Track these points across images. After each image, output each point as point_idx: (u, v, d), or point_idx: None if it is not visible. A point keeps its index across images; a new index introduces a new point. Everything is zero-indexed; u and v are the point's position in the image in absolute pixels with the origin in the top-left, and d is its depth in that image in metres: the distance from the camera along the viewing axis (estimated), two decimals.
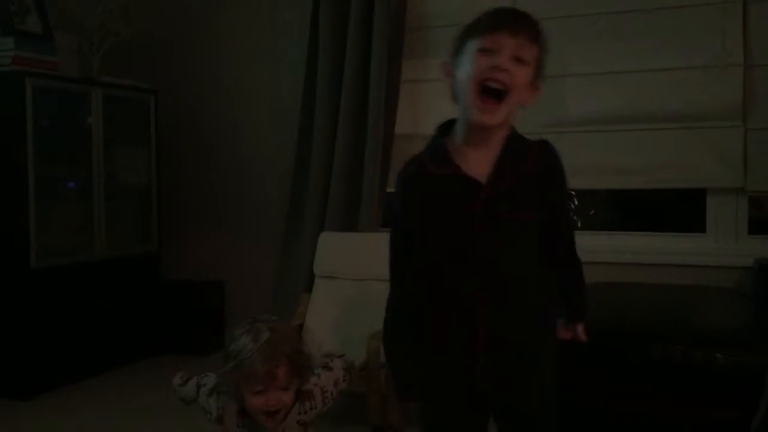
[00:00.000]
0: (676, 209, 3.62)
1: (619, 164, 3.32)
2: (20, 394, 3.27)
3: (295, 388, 1.73)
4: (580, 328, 1.65)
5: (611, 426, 2.35)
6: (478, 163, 1.51)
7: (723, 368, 2.20)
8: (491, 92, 1.44)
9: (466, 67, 1.47)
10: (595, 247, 3.38)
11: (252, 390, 1.67)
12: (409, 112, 3.67)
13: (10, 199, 3.28)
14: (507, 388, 1.54)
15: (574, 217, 3.93)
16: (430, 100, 3.68)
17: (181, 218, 4.21)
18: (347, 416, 3.04)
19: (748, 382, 2.09)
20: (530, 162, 1.52)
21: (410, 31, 3.60)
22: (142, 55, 4.16)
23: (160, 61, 4.19)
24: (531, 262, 1.53)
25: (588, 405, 2.39)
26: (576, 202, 3.92)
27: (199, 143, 4.19)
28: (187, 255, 4.15)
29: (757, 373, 2.05)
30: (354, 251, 3.38)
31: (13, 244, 3.29)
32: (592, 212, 4.00)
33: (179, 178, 4.20)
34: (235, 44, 4.08)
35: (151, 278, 3.99)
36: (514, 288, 1.51)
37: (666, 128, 3.22)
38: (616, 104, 3.30)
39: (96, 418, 3.08)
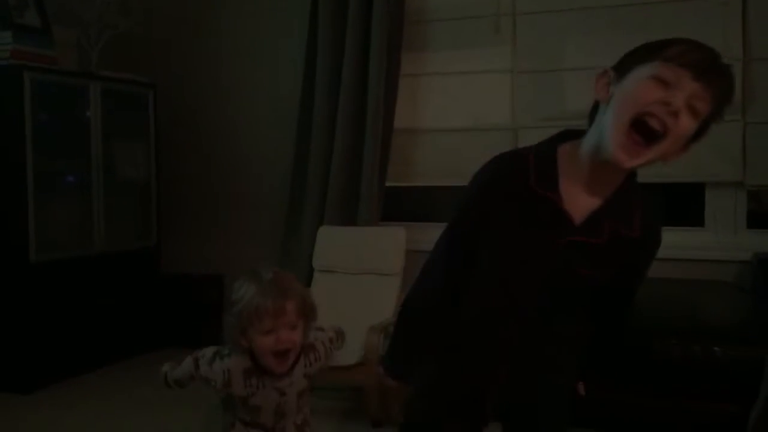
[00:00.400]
0: (675, 203, 3.62)
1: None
2: (20, 388, 3.28)
3: (302, 329, 1.71)
4: (581, 385, 1.58)
5: (610, 419, 2.35)
6: (579, 198, 1.30)
7: (721, 362, 2.21)
8: (645, 131, 1.20)
9: (629, 91, 1.24)
10: None
11: (261, 329, 1.65)
12: (407, 106, 3.67)
13: (9, 194, 3.28)
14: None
15: None
16: (429, 94, 3.68)
17: (180, 213, 4.21)
18: (347, 411, 3.05)
19: (746, 375, 2.10)
20: (634, 225, 1.33)
21: (409, 24, 3.60)
22: (141, 50, 4.15)
23: (160, 55, 4.19)
24: (582, 320, 1.42)
25: (586, 398, 2.39)
26: None
27: (199, 138, 4.18)
28: (187, 249, 4.15)
29: (755, 366, 2.06)
30: (353, 245, 3.39)
31: (12, 238, 3.29)
32: None
33: (178, 172, 4.20)
34: (235, 38, 4.08)
35: (151, 272, 3.99)
36: (555, 346, 1.41)
37: None
38: None
39: (95, 411, 3.09)
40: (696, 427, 2.23)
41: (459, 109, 3.61)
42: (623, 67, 1.31)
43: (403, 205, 3.93)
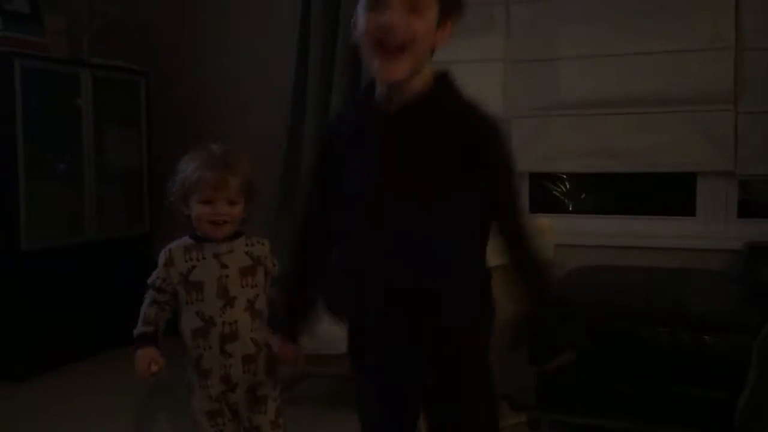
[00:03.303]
0: (666, 192, 3.64)
1: (609, 148, 3.33)
2: (13, 376, 3.28)
3: (241, 207, 1.78)
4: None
5: (599, 406, 2.37)
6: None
7: (711, 349, 2.23)
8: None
9: (360, 24, 1.37)
10: (585, 230, 3.40)
11: (200, 199, 1.74)
12: None
13: (0, 182, 3.27)
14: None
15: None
16: None
17: None
18: (334, 399, 3.06)
19: (735, 363, 2.12)
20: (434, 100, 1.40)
21: None
22: (133, 37, 4.13)
23: (152, 42, 4.16)
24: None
25: (576, 385, 2.41)
26: (568, 186, 3.93)
27: (191, 125, 4.16)
28: (179, 235, 4.13)
29: (744, 354, 2.08)
30: None
31: (3, 226, 3.28)
32: (582, 196, 4.01)
33: (170, 159, 4.17)
34: (226, 25, 4.05)
35: (143, 259, 3.98)
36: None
37: (657, 112, 3.23)
38: (606, 88, 3.30)
39: (88, 399, 3.09)
40: (684, 414, 2.25)
41: None
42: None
43: None
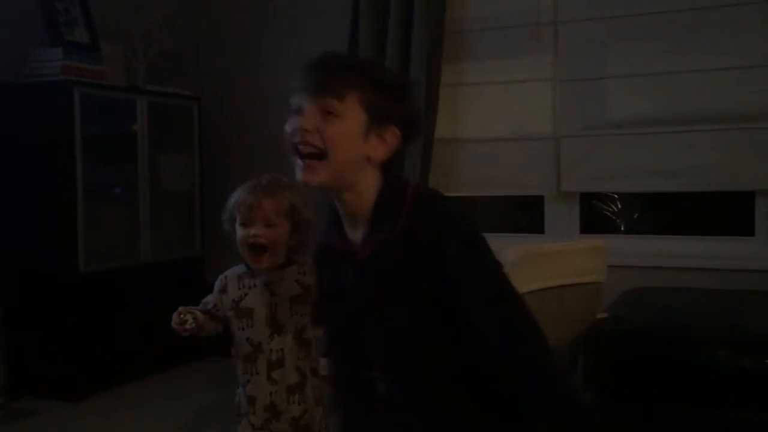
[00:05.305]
0: (723, 212, 3.55)
1: (661, 166, 3.26)
2: (68, 396, 3.34)
3: (284, 231, 1.76)
4: None
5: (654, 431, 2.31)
6: (354, 232, 1.38)
7: None
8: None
9: (285, 127, 1.34)
10: (638, 251, 3.33)
11: (240, 220, 1.77)
12: (448, 116, 3.66)
13: (60, 205, 3.36)
14: None
15: None
16: (470, 104, 3.67)
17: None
18: None
19: None
20: (397, 226, 1.28)
21: (449, 34, 3.60)
22: (186, 64, 4.23)
23: (204, 69, 4.26)
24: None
25: (633, 411, 2.35)
26: (619, 206, 3.87)
27: (241, 148, 4.24)
28: (231, 258, 4.18)
29: None
30: None
31: (62, 249, 3.37)
32: (635, 216, 3.94)
33: (222, 182, 4.25)
34: (277, 51, 4.12)
35: (196, 281, 4.04)
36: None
37: (714, 129, 3.16)
38: (657, 106, 3.25)
39: (142, 420, 3.13)
40: None
41: (500, 118, 3.59)
42: None
43: None
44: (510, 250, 2.42)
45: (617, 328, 2.45)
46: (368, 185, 1.31)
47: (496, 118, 3.60)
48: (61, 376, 3.39)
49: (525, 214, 3.92)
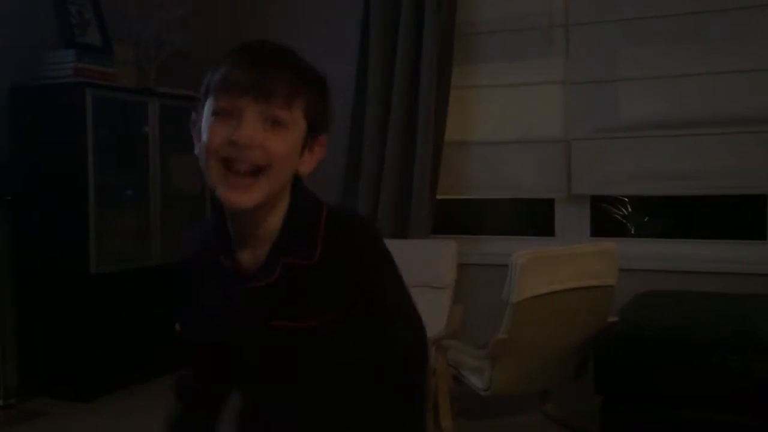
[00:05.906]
0: (736, 215, 3.53)
1: (672, 169, 3.25)
2: (81, 396, 3.36)
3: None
4: None
5: None
6: (247, 253, 1.14)
7: None
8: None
9: (205, 135, 1.10)
10: (650, 254, 3.32)
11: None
12: (458, 118, 3.66)
13: (72, 207, 3.38)
14: None
15: None
16: (480, 106, 3.67)
17: None
18: None
19: None
20: (313, 251, 1.11)
21: (460, 37, 3.60)
22: (197, 66, 4.23)
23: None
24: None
25: (643, 414, 2.34)
26: (630, 209, 3.86)
27: None
28: None
29: None
30: (404, 258, 3.35)
31: (74, 250, 3.39)
32: (646, 219, 3.92)
33: None
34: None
35: None
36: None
37: (725, 132, 3.15)
38: (668, 109, 3.24)
39: (153, 420, 3.14)
40: None
41: (510, 121, 3.59)
42: (201, 103, 1.14)
43: (454, 218, 3.92)
44: (520, 253, 2.42)
45: (628, 331, 2.44)
46: (285, 202, 1.13)
47: (507, 121, 3.60)
48: (73, 376, 3.41)
49: (535, 217, 3.92)
